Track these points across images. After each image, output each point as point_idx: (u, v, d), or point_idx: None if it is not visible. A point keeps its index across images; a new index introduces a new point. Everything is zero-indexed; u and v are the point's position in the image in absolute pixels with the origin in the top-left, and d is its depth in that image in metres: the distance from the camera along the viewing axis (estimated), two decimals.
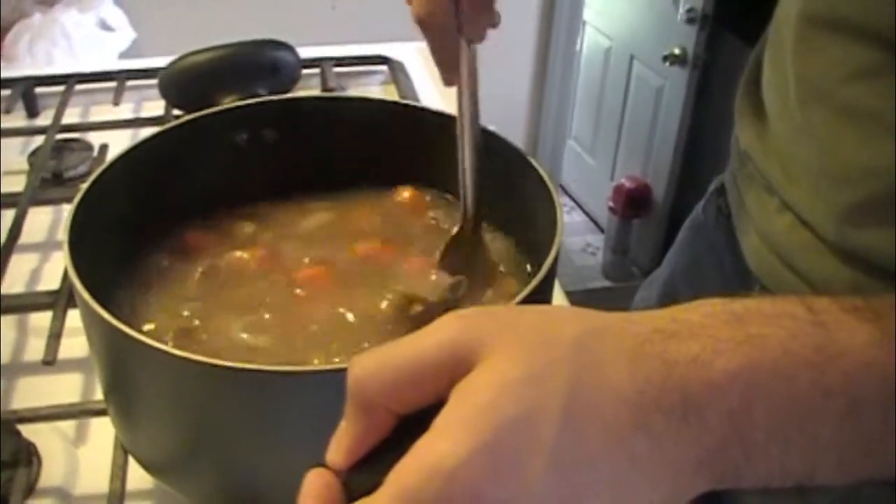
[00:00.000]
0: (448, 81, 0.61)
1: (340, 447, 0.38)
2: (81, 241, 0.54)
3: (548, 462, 0.33)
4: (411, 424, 0.36)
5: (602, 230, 3.23)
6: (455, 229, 0.62)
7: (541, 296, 0.51)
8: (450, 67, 0.61)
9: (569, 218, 3.39)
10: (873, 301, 0.39)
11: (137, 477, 0.58)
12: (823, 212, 0.58)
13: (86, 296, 0.49)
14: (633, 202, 2.94)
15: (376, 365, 0.37)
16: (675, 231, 0.90)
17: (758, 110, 0.66)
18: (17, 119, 1.05)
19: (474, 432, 0.33)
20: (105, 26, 1.76)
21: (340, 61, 1.11)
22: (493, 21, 0.59)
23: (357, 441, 0.37)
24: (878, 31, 0.51)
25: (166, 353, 0.46)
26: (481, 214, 0.62)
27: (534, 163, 0.61)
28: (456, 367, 0.35)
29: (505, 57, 2.57)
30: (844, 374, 0.36)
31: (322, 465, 0.38)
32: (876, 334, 0.37)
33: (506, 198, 0.65)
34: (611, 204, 3.01)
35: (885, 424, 0.36)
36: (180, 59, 0.76)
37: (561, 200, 3.29)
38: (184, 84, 0.70)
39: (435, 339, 0.36)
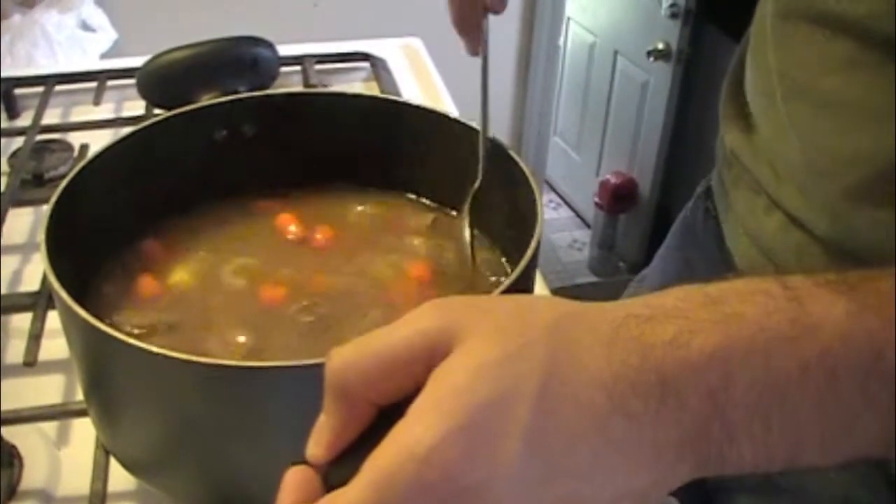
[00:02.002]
0: (473, 50, 0.66)
1: (321, 441, 0.38)
2: (60, 241, 0.54)
3: (523, 443, 0.33)
4: (390, 416, 0.36)
5: (588, 226, 3.23)
6: (476, 185, 0.63)
7: (521, 290, 0.51)
8: (473, 37, 0.65)
9: (555, 214, 3.39)
10: (846, 274, 0.39)
11: (119, 477, 0.58)
12: (812, 207, 0.58)
13: (63, 294, 0.48)
14: (618, 197, 2.94)
15: (355, 355, 0.37)
16: (662, 226, 0.90)
17: (743, 111, 0.66)
18: None
19: (448, 415, 0.33)
20: (86, 27, 1.75)
21: (322, 58, 1.11)
22: None
23: (337, 434, 0.37)
24: (855, 22, 0.51)
25: (145, 350, 0.45)
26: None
27: (515, 156, 0.61)
28: (433, 355, 0.35)
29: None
30: (821, 347, 0.36)
31: (300, 461, 0.38)
32: (850, 305, 0.37)
33: (488, 195, 0.64)
34: (597, 199, 3.01)
35: (864, 397, 0.36)
36: (158, 56, 0.76)
37: (548, 197, 3.28)
38: (162, 82, 0.69)
39: (413, 328, 0.36)
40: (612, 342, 0.36)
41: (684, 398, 0.35)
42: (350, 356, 0.37)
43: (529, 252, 0.52)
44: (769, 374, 0.36)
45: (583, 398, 0.34)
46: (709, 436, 0.36)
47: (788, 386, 0.36)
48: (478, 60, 0.65)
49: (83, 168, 0.59)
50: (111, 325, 0.47)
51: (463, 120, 0.66)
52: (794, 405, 0.36)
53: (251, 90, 0.65)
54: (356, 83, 1.13)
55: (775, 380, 0.36)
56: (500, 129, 3.00)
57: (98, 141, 0.94)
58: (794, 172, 0.59)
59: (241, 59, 0.65)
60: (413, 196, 0.71)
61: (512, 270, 0.63)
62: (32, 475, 0.61)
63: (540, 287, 0.75)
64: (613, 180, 2.94)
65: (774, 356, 0.36)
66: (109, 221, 0.62)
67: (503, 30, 2.61)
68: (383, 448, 0.34)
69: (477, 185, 0.63)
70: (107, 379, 0.52)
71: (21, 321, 0.70)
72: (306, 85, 1.04)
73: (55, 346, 0.64)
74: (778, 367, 0.36)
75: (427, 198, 0.70)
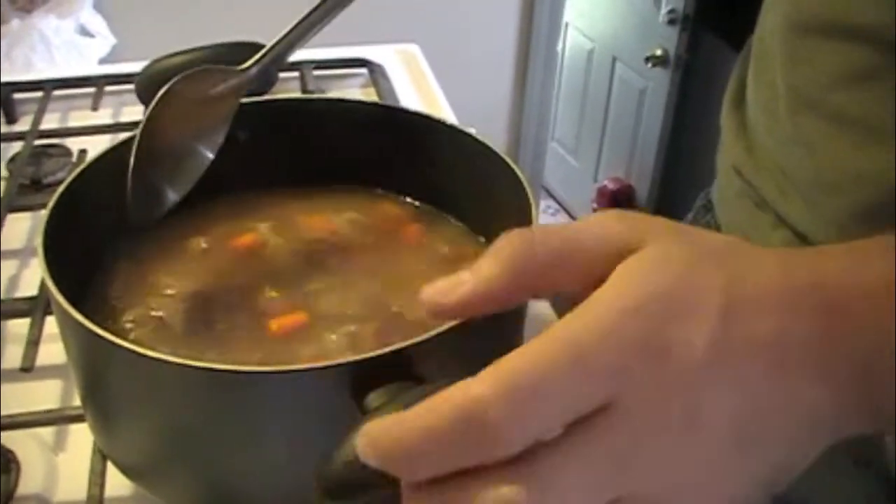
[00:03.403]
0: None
1: (457, 292, 0.36)
2: (57, 245, 0.54)
3: (718, 323, 0.33)
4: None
5: None
6: None
7: None
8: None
9: (553, 220, 3.40)
10: None
11: (116, 483, 0.58)
12: (821, 224, 0.56)
13: (59, 298, 0.48)
14: (616, 203, 2.95)
15: (544, 233, 0.36)
16: None
17: (745, 126, 0.65)
18: None
19: (649, 284, 0.33)
20: (85, 32, 1.76)
21: (320, 64, 1.11)
22: None
23: (485, 296, 0.36)
24: (871, 31, 0.50)
25: (141, 355, 0.45)
26: None
27: (510, 163, 0.61)
28: (621, 251, 0.35)
29: (485, 58, 2.58)
30: None
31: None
32: None
33: (483, 200, 0.65)
34: (594, 205, 3.02)
35: None
36: (156, 62, 0.76)
37: (545, 202, 3.28)
38: (160, 86, 0.69)
39: (602, 225, 0.36)
40: (786, 263, 0.36)
41: (859, 319, 0.35)
42: (539, 233, 0.36)
43: None
44: None
45: (764, 302, 0.34)
46: (880, 361, 0.35)
47: None
48: (477, 66, 0.65)
49: (80, 173, 0.59)
50: (106, 330, 0.47)
51: (461, 127, 0.67)
52: None
53: (249, 96, 0.65)
54: (354, 89, 1.14)
55: None
56: (497, 135, 3.01)
57: (96, 146, 0.94)
58: (802, 189, 0.58)
59: (238, 64, 0.65)
60: (410, 201, 0.71)
61: None
62: (29, 480, 0.61)
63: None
64: (611, 186, 2.95)
65: None
66: (107, 226, 0.62)
67: (501, 35, 2.61)
68: (571, 315, 0.33)
69: None
70: (104, 383, 0.52)
71: (19, 326, 0.70)
72: (304, 91, 1.05)
73: (53, 351, 0.64)
74: None
75: (426, 202, 0.70)
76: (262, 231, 0.67)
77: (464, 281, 0.36)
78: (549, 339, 0.32)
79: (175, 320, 0.59)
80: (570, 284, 0.36)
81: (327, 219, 0.68)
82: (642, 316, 0.32)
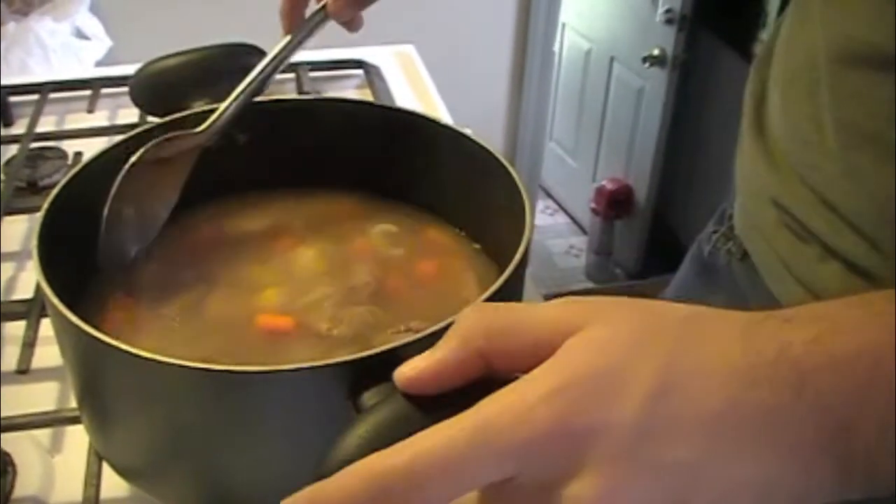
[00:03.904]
0: (287, 29, 0.66)
1: (417, 366, 0.38)
2: (52, 248, 0.54)
3: (642, 403, 0.33)
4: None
5: (585, 232, 3.23)
6: None
7: (507, 299, 0.51)
8: (289, 26, 0.66)
9: (552, 220, 3.40)
10: None
11: (112, 484, 0.58)
12: (882, 258, 0.54)
13: (54, 300, 0.48)
14: (615, 203, 2.95)
15: (496, 313, 0.37)
16: (658, 232, 0.89)
17: (774, 156, 0.63)
18: None
19: (574, 368, 0.34)
20: (81, 35, 1.75)
21: (316, 65, 1.11)
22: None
23: (436, 371, 0.37)
24: None
25: (137, 355, 0.45)
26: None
27: (506, 164, 0.61)
28: (569, 335, 0.36)
29: (482, 60, 2.58)
30: None
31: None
32: None
33: (480, 201, 0.65)
34: (593, 205, 3.02)
35: None
36: (150, 63, 0.76)
37: (544, 203, 3.28)
38: (155, 89, 0.70)
39: (554, 308, 0.37)
40: (748, 336, 0.35)
41: (825, 396, 0.34)
42: (492, 313, 0.37)
43: (516, 259, 0.52)
44: None
45: (713, 380, 0.34)
46: (854, 436, 0.34)
47: None
48: (473, 67, 0.65)
49: (75, 175, 0.59)
50: (102, 331, 0.47)
51: (457, 127, 0.67)
52: None
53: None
54: (350, 90, 1.14)
55: None
56: (494, 136, 3.01)
57: (92, 148, 0.93)
58: (859, 223, 0.56)
59: (234, 66, 0.65)
60: (408, 202, 0.71)
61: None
62: (26, 482, 0.61)
63: (530, 294, 0.75)
64: (609, 186, 2.95)
65: None
66: (101, 228, 0.62)
67: (498, 36, 2.61)
68: (492, 397, 0.34)
69: None
70: (99, 384, 0.52)
71: (15, 329, 0.70)
72: (300, 92, 1.05)
73: (48, 353, 0.64)
74: None
75: (423, 204, 0.70)
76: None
77: (426, 357, 0.38)
78: (467, 419, 0.34)
79: (170, 319, 0.59)
80: (522, 360, 0.36)
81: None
82: (561, 400, 0.33)
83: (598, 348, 0.35)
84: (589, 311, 0.36)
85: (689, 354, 0.34)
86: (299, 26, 0.65)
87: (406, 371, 0.38)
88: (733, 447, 0.34)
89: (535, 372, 0.35)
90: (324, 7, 0.65)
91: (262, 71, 0.65)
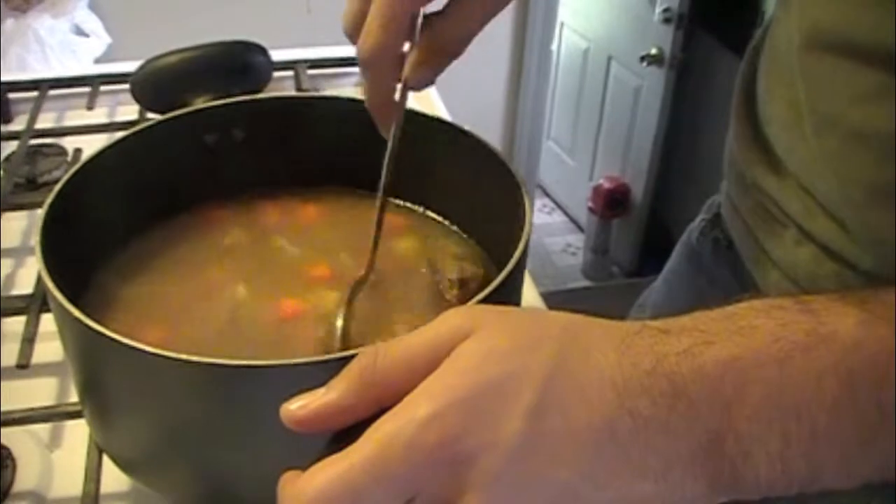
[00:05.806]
0: (385, 131, 0.58)
1: (309, 405, 0.39)
2: (54, 243, 0.54)
3: (524, 423, 0.34)
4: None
5: (582, 230, 3.24)
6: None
7: (507, 295, 0.51)
8: (386, 117, 0.57)
9: (549, 219, 3.40)
10: (857, 291, 0.39)
11: (112, 479, 0.58)
12: (852, 240, 0.55)
13: (57, 294, 0.49)
14: (612, 202, 2.95)
15: (385, 345, 0.38)
16: (655, 230, 0.90)
17: (760, 142, 0.64)
18: None
19: (452, 389, 0.35)
20: (79, 31, 1.75)
21: (314, 63, 1.11)
22: (441, 67, 0.56)
23: (331, 411, 0.38)
24: (885, 52, 0.48)
25: (139, 350, 0.46)
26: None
27: (505, 160, 0.61)
28: (452, 349, 0.37)
29: (480, 58, 2.57)
30: (835, 355, 0.36)
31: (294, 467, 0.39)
32: (862, 315, 0.37)
33: (478, 198, 0.65)
34: (590, 204, 3.02)
35: (877, 408, 0.36)
36: (151, 61, 0.76)
37: (541, 201, 3.28)
38: (155, 86, 0.70)
39: (436, 326, 0.38)
40: (625, 347, 0.36)
41: (697, 407, 0.35)
42: (383, 346, 0.38)
43: (517, 254, 0.52)
44: (784, 383, 0.36)
45: (590, 393, 0.35)
46: (722, 450, 0.35)
47: (804, 395, 0.36)
48: (471, 66, 0.64)
49: (77, 171, 0.59)
50: (105, 325, 0.47)
51: (458, 125, 0.67)
52: (811, 416, 0.36)
53: (242, 94, 0.65)
54: (348, 88, 1.14)
55: (791, 389, 0.36)
56: (492, 134, 3.00)
57: (91, 145, 0.94)
58: (830, 206, 0.57)
59: (234, 63, 0.65)
60: (406, 202, 0.71)
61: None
62: (25, 477, 0.61)
63: (529, 291, 0.75)
64: (607, 185, 2.95)
65: (789, 365, 0.36)
66: (103, 224, 0.62)
67: (496, 35, 2.61)
68: (388, 415, 0.35)
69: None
70: (101, 378, 0.52)
71: (15, 324, 0.70)
72: (299, 89, 1.05)
73: (48, 348, 0.65)
74: (793, 376, 0.36)
75: (418, 203, 0.71)
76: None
77: (318, 395, 0.39)
78: (361, 450, 0.35)
79: (171, 314, 0.60)
80: (409, 389, 0.37)
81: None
82: (444, 423, 0.34)
83: (477, 365, 0.35)
84: (470, 321, 0.37)
85: (567, 366, 0.35)
86: (391, 114, 0.58)
87: (295, 412, 0.39)
88: (612, 464, 0.35)
89: (422, 388, 0.36)
90: (405, 84, 0.56)
91: (386, 174, 0.59)
